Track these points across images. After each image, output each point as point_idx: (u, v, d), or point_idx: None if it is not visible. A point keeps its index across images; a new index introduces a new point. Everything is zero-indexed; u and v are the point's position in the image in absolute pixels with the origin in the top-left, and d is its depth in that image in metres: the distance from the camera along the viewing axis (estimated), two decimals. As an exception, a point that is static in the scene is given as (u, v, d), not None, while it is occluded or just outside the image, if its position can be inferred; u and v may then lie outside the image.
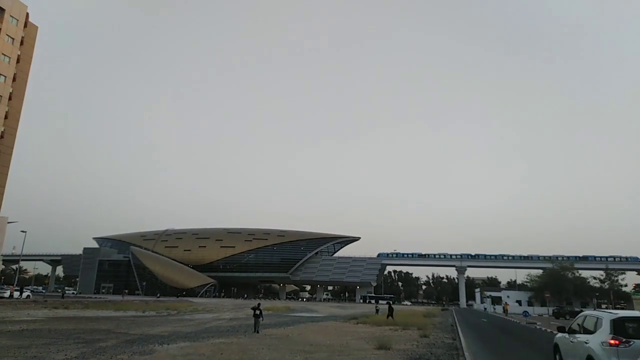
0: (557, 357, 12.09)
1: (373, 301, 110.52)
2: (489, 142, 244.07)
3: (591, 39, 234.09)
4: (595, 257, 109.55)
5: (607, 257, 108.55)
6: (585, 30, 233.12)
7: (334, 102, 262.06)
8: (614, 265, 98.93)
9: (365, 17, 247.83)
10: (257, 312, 21.54)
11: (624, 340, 8.87)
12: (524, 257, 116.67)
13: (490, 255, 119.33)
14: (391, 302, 39.45)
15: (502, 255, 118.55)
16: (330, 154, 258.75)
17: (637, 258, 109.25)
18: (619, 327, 9.27)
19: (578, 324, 11.19)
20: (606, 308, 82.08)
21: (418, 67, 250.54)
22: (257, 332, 20.92)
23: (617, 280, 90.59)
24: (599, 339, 9.41)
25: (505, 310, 63.03)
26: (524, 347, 20.83)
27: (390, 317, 33.10)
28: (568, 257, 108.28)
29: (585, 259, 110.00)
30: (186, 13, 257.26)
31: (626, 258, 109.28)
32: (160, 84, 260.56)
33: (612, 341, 8.96)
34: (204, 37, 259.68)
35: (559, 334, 12.36)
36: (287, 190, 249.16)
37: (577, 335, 10.73)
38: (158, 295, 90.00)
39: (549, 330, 32.18)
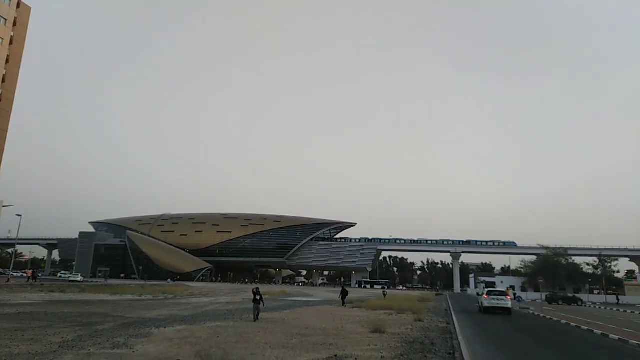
0: (478, 306, 34.40)
1: (368, 286, 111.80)
2: (484, 131, 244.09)
3: (583, 35, 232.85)
4: (477, 242, 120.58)
5: (486, 242, 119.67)
6: (572, 26, 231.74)
7: (325, 90, 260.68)
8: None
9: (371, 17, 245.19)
10: (257, 297, 19.50)
11: (489, 296, 31.63)
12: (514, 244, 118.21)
13: (485, 242, 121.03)
14: (344, 286, 39.93)
15: (495, 242, 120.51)
16: (329, 141, 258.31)
17: (514, 243, 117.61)
18: (488, 293, 32.56)
19: (482, 291, 39.18)
20: (598, 294, 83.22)
21: (413, 58, 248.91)
22: (257, 319, 19.24)
23: (610, 266, 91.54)
24: (482, 296, 33.12)
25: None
26: (515, 332, 21.10)
27: (343, 302, 33.19)
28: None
29: (468, 242, 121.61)
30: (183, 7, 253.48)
31: (504, 242, 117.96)
32: (156, 70, 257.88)
33: (485, 296, 31.96)
34: (200, 28, 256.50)
35: (480, 297, 35.34)
36: (284, 176, 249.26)
37: (480, 297, 34.56)
38: (168, 280, 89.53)
39: (541, 315, 32.64)
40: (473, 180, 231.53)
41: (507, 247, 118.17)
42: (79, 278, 70.58)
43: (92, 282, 71.86)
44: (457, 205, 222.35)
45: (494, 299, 30.97)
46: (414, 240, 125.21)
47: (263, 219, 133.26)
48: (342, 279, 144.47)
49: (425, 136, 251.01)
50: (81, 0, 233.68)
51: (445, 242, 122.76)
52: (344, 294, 34.11)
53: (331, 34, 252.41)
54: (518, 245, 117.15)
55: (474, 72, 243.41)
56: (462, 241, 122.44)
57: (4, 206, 62.94)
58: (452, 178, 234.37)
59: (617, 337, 18.19)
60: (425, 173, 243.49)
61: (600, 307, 53.69)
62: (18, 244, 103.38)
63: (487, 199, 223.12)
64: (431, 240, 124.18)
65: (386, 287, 78.52)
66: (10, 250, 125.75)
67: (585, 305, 57.79)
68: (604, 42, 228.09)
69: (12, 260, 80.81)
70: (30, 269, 71.69)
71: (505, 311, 30.40)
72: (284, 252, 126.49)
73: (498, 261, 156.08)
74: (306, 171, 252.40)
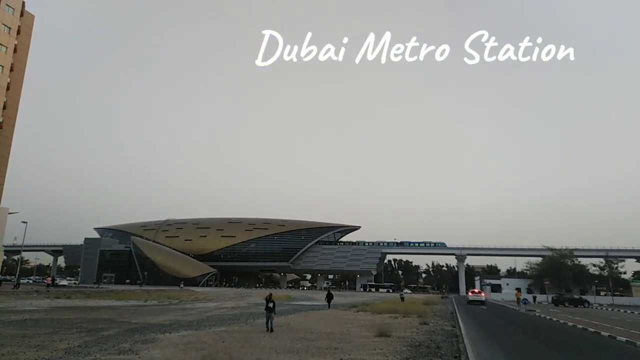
0: (467, 301, 56.49)
1: (373, 289, 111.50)
2: (489, 134, 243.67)
3: (588, 32, 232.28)
4: (410, 243, 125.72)
5: (418, 243, 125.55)
6: (582, 22, 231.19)
7: (334, 94, 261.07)
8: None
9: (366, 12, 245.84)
10: (270, 304, 17.45)
11: (472, 294, 57.56)
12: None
13: (417, 243, 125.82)
14: (330, 289, 40.72)
15: (426, 243, 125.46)
16: (331, 143, 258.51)
17: (444, 244, 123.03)
18: (471, 292, 60.54)
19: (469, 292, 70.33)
20: (605, 295, 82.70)
21: (419, 59, 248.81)
22: (271, 330, 17.17)
23: (617, 267, 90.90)
24: (468, 294, 62.29)
25: (517, 300, 52.33)
26: (522, 334, 20.96)
27: (328, 305, 34.36)
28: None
29: (401, 244, 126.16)
30: (183, 10, 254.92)
31: (434, 243, 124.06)
32: (158, 76, 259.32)
33: (470, 294, 59.30)
34: (199, 35, 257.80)
35: (467, 295, 65.49)
36: (288, 180, 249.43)
37: (467, 295, 64.15)
38: (181, 285, 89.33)
39: (547, 317, 32.43)
40: (477, 181, 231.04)
41: (438, 247, 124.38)
42: (65, 282, 76.78)
43: (78, 287, 73.40)
44: (462, 207, 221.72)
45: (475, 296, 56.43)
46: (418, 243, 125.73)
47: (267, 223, 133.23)
48: (347, 283, 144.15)
49: (428, 138, 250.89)
50: (78, 5, 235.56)
51: (428, 244, 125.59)
52: (330, 297, 35.21)
53: (333, 30, 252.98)
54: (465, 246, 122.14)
55: (475, 71, 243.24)
56: (396, 242, 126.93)
57: (9, 213, 63.33)
58: (456, 180, 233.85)
59: (625, 339, 18.06)
60: (429, 175, 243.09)
61: (607, 309, 53.28)
62: (24, 250, 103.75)
63: (492, 200, 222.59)
64: (436, 243, 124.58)
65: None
66: (16, 257, 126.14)
67: (592, 307, 57.39)
68: (615, 36, 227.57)
69: (18, 267, 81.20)
70: (49, 276, 78.58)
71: (481, 303, 52.94)
72: (289, 256, 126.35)
73: (504, 263, 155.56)
74: (310, 175, 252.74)
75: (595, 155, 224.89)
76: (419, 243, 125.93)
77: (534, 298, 71.51)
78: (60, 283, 73.72)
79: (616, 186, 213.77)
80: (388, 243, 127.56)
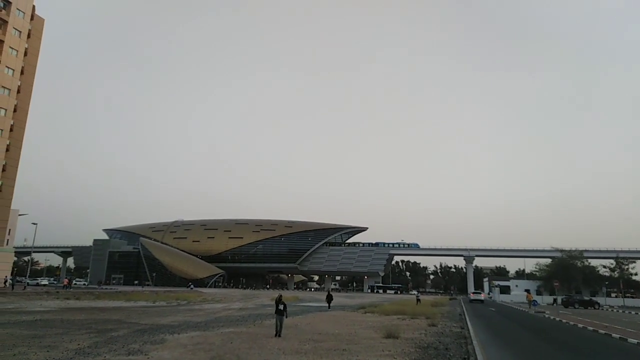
0: (469, 300, 68.18)
1: (380, 291, 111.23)
2: (496, 134, 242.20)
3: (588, 37, 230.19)
4: (384, 244, 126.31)
5: (393, 244, 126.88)
6: (583, 28, 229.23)
7: (338, 95, 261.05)
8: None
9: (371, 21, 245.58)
10: (281, 306, 16.13)
11: (473, 294, 70.79)
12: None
13: (391, 243, 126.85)
14: (330, 291, 41.72)
15: (400, 244, 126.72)
16: (338, 145, 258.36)
17: (417, 245, 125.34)
18: (473, 292, 75.59)
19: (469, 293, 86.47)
20: (616, 297, 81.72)
21: (425, 64, 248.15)
22: (279, 335, 15.96)
23: (627, 269, 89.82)
24: (469, 294, 77.80)
25: (529, 301, 49.08)
26: (531, 335, 20.79)
27: (328, 305, 35.26)
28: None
29: (376, 244, 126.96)
30: (188, 13, 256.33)
31: (408, 244, 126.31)
32: (165, 77, 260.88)
33: (472, 294, 72.18)
34: (209, 37, 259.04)
35: (468, 295, 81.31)
36: (295, 181, 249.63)
37: (468, 295, 79.59)
38: (190, 285, 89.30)
39: (557, 319, 32.14)
40: (485, 182, 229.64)
41: (412, 248, 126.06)
42: (46, 282, 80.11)
43: (87, 288, 73.60)
44: (470, 208, 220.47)
45: (475, 295, 67.67)
46: (393, 244, 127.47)
47: (274, 224, 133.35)
48: (354, 284, 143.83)
49: (436, 140, 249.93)
50: (85, 8, 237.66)
51: (402, 245, 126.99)
52: (330, 298, 36.40)
53: (335, 31, 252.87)
54: (422, 247, 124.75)
55: (481, 71, 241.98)
56: (371, 243, 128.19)
57: (20, 215, 64.07)
58: (464, 181, 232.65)
59: (636, 341, 17.85)
60: (437, 177, 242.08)
61: (618, 311, 52.68)
62: (34, 252, 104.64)
63: (501, 201, 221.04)
64: (397, 244, 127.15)
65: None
66: (26, 258, 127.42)
67: (602, 309, 56.78)
68: (615, 36, 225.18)
69: (29, 268, 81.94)
70: (66, 278, 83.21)
71: (480, 301, 63.04)
72: (296, 258, 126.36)
73: (513, 264, 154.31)
74: (317, 176, 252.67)
75: (605, 154, 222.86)
76: (393, 244, 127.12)
77: (554, 300, 70.95)
78: (42, 282, 76.77)
79: (627, 186, 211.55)
80: (370, 244, 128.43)
